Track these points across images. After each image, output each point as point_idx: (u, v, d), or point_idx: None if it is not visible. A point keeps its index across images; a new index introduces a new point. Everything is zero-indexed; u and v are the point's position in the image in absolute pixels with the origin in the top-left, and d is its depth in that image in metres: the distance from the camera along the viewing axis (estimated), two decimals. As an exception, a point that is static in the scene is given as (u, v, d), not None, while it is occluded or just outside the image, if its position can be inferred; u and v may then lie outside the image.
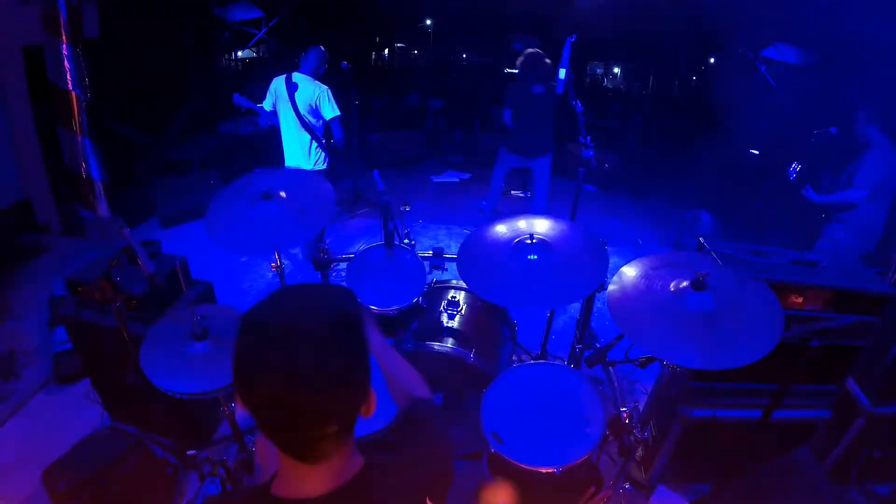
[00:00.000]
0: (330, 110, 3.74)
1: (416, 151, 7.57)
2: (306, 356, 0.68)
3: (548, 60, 4.35)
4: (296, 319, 0.71)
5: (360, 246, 2.31)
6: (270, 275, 2.40)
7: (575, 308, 2.55)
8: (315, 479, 0.77)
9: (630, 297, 1.68)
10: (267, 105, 3.80)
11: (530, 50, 4.40)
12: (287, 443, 0.75)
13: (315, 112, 3.73)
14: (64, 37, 3.81)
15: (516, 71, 4.50)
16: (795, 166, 3.27)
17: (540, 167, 4.63)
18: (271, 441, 0.74)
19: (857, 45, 4.35)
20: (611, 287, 1.75)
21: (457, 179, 6.91)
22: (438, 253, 2.37)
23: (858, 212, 3.12)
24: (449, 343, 2.24)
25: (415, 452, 0.90)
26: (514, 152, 4.65)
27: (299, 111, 3.68)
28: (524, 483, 1.66)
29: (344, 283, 2.20)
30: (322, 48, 3.81)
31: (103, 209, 4.34)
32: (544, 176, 4.65)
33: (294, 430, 0.72)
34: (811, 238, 3.50)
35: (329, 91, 3.74)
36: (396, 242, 2.33)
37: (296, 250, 4.41)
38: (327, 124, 3.80)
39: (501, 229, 2.04)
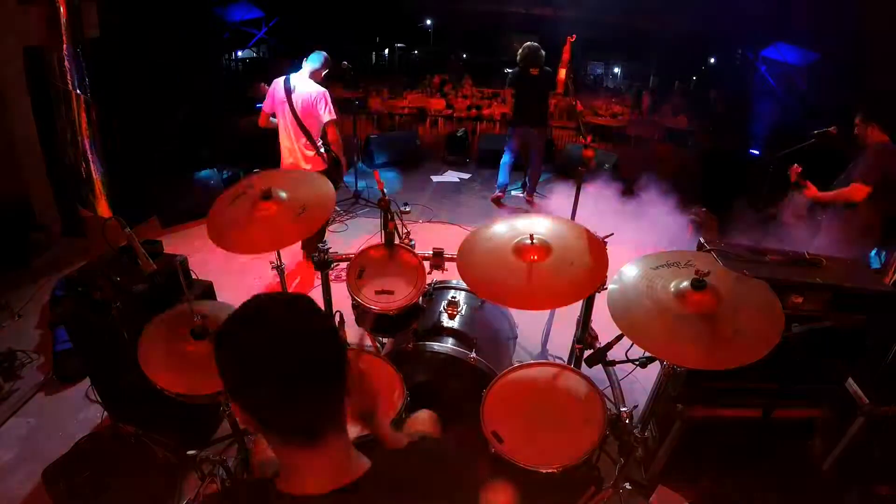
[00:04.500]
0: (327, 113, 3.73)
1: (416, 151, 7.56)
2: (296, 333, 0.78)
3: (542, 52, 5.17)
4: (277, 312, 0.81)
5: (361, 246, 2.31)
6: (270, 275, 2.40)
7: (575, 308, 2.55)
8: (317, 472, 0.80)
9: (630, 297, 1.68)
10: (267, 107, 3.81)
11: (527, 42, 5.29)
12: (290, 423, 0.79)
13: (312, 114, 3.72)
14: (64, 37, 3.81)
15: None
16: (796, 167, 3.28)
17: (535, 138, 5.58)
18: (273, 430, 0.80)
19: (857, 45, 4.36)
20: (611, 287, 1.75)
21: (457, 179, 6.91)
22: (438, 253, 2.36)
23: (858, 211, 3.12)
24: (449, 343, 2.24)
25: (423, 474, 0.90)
26: (517, 125, 5.57)
27: (297, 113, 3.68)
28: (524, 483, 1.66)
29: (344, 284, 2.19)
30: (324, 53, 3.80)
31: (103, 209, 4.34)
32: (539, 143, 5.64)
33: (295, 404, 0.77)
34: (811, 238, 3.50)
35: (327, 94, 3.73)
36: (396, 242, 2.33)
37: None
38: (323, 127, 3.80)
39: (501, 229, 2.04)
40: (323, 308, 0.88)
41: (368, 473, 0.83)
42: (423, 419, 1.57)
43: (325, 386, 0.80)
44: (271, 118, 3.83)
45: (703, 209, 5.12)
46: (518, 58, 5.36)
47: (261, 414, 0.79)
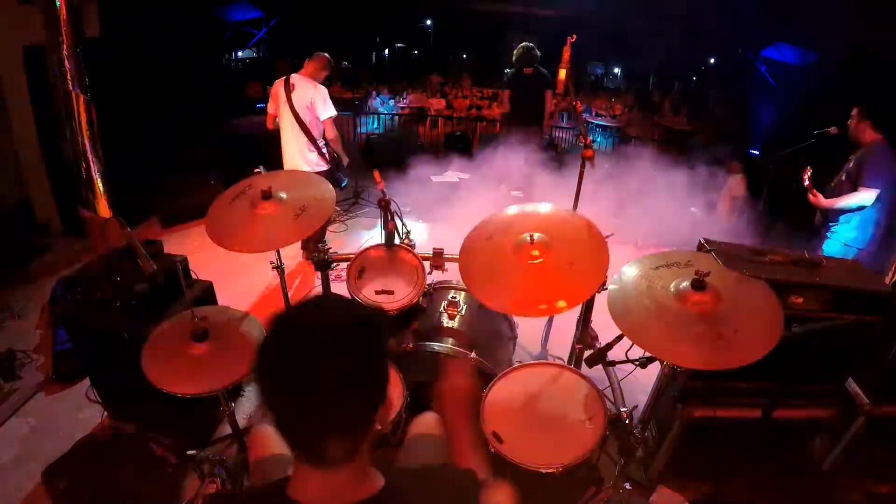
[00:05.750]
0: (325, 110, 3.75)
1: (415, 151, 7.56)
2: (318, 352, 0.71)
3: (537, 52, 5.30)
4: (316, 320, 0.76)
5: (361, 246, 2.31)
6: (271, 275, 2.40)
7: (575, 308, 2.55)
8: (328, 488, 0.77)
9: (630, 297, 1.68)
10: (270, 108, 3.84)
11: (522, 42, 5.41)
12: (297, 441, 0.76)
13: (311, 113, 3.74)
14: (64, 37, 3.80)
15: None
16: (810, 172, 3.25)
17: (531, 137, 5.55)
18: (286, 439, 0.77)
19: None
20: (611, 287, 1.75)
21: (456, 179, 6.90)
22: (438, 253, 2.36)
23: (863, 211, 3.12)
24: (449, 343, 2.24)
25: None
26: (513, 125, 5.65)
27: (296, 112, 3.70)
28: (524, 483, 1.66)
29: (344, 284, 2.19)
30: (326, 55, 3.84)
31: (103, 209, 4.34)
32: (535, 143, 5.58)
33: (302, 426, 0.74)
34: (812, 238, 3.50)
35: (325, 91, 3.75)
36: (396, 242, 2.33)
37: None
38: (324, 125, 3.82)
39: (501, 229, 2.04)
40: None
41: (381, 493, 0.80)
42: (427, 422, 1.57)
43: (343, 409, 0.73)
44: (276, 117, 3.85)
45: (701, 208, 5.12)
46: (513, 58, 5.45)
47: (276, 424, 0.76)
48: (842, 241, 3.23)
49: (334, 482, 0.77)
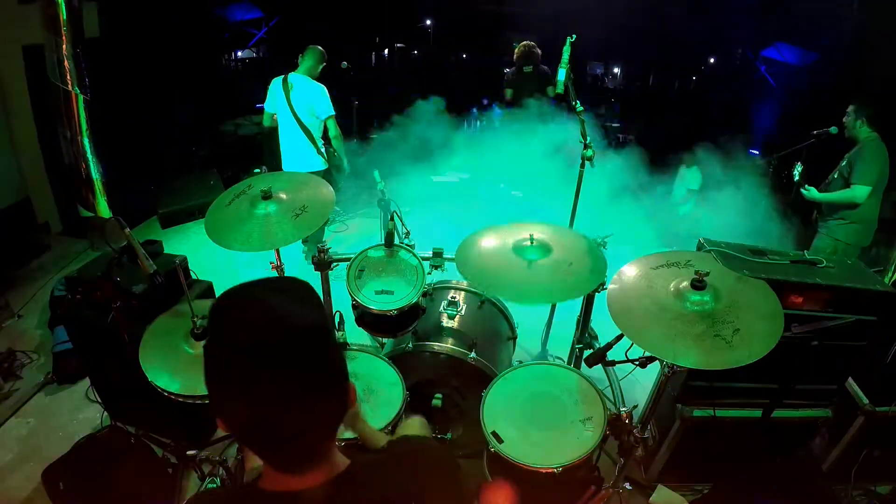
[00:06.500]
0: (325, 109, 3.74)
1: (415, 151, 7.56)
2: (277, 377, 0.68)
3: (538, 50, 5.39)
4: (265, 335, 0.69)
5: (361, 246, 2.31)
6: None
7: (575, 308, 2.55)
8: (301, 483, 0.78)
9: (630, 297, 1.68)
10: (268, 107, 3.82)
11: (523, 42, 5.53)
12: (270, 460, 0.77)
13: (311, 112, 3.73)
14: (64, 37, 3.81)
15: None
16: (799, 167, 3.29)
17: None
18: (255, 454, 0.77)
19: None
20: (611, 287, 1.75)
21: (456, 179, 6.90)
22: (438, 253, 2.36)
23: (856, 208, 3.13)
24: (449, 343, 2.24)
25: (406, 462, 0.90)
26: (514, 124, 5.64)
27: (295, 111, 3.69)
28: (524, 483, 1.66)
29: (344, 284, 2.19)
30: (319, 48, 3.83)
31: (103, 209, 4.34)
32: None
33: (273, 449, 0.74)
34: (810, 237, 3.51)
35: (325, 90, 3.75)
36: (396, 242, 2.32)
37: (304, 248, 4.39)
38: (324, 124, 3.82)
39: (501, 230, 2.04)
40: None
41: (347, 470, 0.81)
42: (413, 425, 1.57)
43: (310, 411, 0.71)
44: (273, 116, 3.85)
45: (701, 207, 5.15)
46: (514, 56, 5.50)
47: (236, 433, 0.74)
48: (834, 237, 3.25)
49: (305, 480, 0.77)
